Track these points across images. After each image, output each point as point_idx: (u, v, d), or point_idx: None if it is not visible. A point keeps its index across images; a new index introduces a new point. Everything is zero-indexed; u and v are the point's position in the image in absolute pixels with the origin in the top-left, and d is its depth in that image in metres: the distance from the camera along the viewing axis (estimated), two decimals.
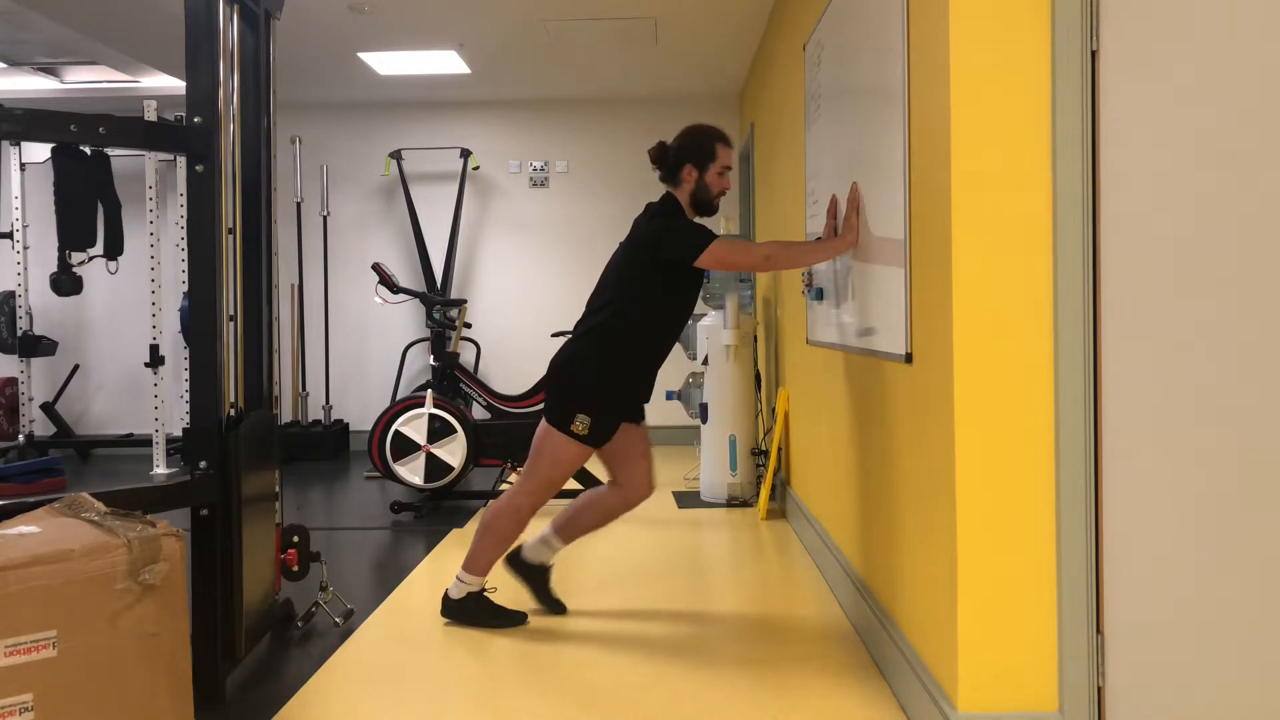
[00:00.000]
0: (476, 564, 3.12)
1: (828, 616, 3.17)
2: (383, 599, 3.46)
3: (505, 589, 3.55)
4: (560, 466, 3.03)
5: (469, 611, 3.14)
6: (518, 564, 3.28)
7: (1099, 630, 2.02)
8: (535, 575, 3.27)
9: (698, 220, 3.16)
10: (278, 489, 3.00)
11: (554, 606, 3.26)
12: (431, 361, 5.32)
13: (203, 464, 2.53)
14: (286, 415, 7.30)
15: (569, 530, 3.23)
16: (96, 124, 2.40)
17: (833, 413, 3.48)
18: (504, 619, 3.13)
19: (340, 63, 6.12)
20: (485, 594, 3.16)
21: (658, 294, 2.99)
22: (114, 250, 2.71)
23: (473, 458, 4.95)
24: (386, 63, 6.09)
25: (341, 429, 7.12)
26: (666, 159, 3.09)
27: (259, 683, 2.70)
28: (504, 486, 5.41)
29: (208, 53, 2.57)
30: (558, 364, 3.05)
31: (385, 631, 3.11)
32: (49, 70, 6.37)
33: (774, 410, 5.17)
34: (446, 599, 3.16)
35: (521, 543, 3.30)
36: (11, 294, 6.69)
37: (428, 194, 7.33)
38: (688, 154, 3.06)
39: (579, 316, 3.14)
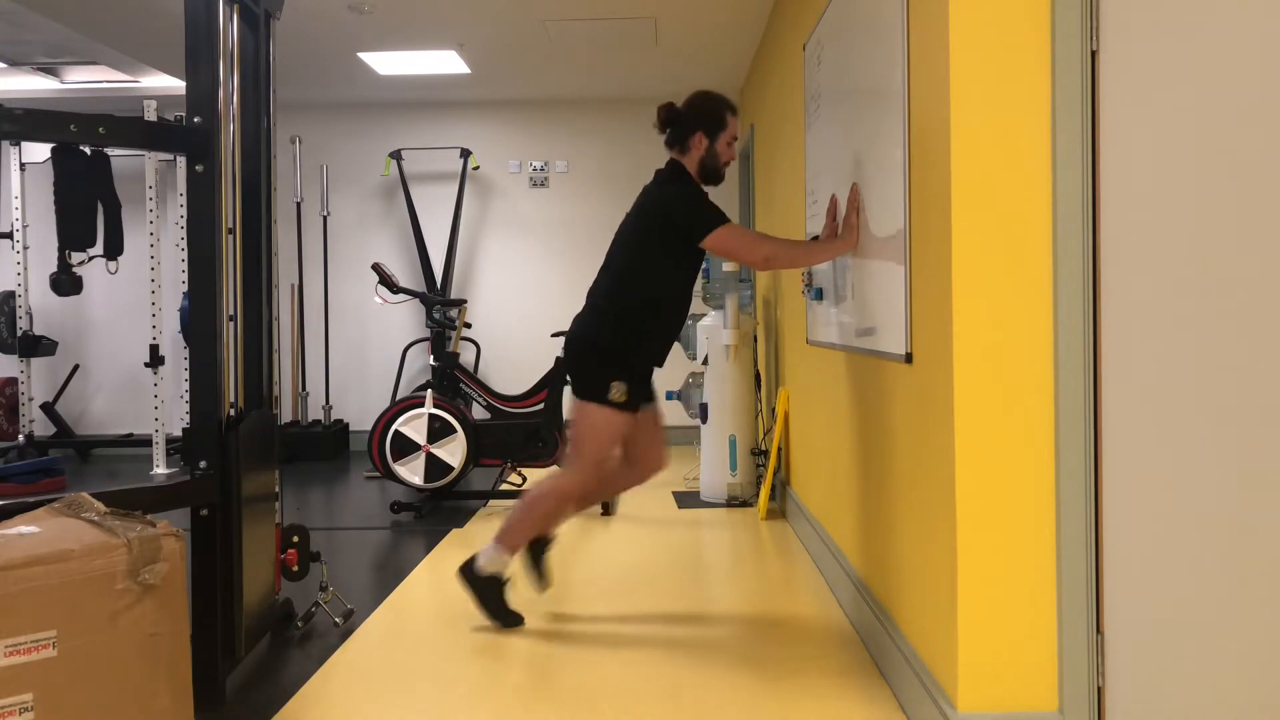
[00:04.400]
0: (511, 538, 3.10)
1: (828, 617, 3.17)
2: (383, 599, 3.46)
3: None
4: (605, 441, 3.01)
5: (484, 588, 3.12)
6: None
7: (1099, 630, 2.02)
8: (532, 549, 3.28)
9: (706, 190, 3.14)
10: (278, 489, 3.00)
11: (538, 582, 3.28)
12: (431, 361, 5.32)
13: (203, 464, 2.53)
14: (286, 415, 7.30)
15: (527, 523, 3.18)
16: (96, 124, 2.40)
17: (833, 413, 3.48)
18: (502, 615, 3.12)
19: (340, 63, 6.12)
20: (504, 583, 3.15)
21: (666, 261, 2.97)
22: (114, 250, 2.71)
23: (473, 458, 4.95)
24: (386, 63, 6.09)
25: (341, 429, 7.11)
26: (676, 121, 3.04)
27: (259, 683, 2.70)
28: (504, 487, 5.41)
29: (208, 53, 2.57)
30: (576, 337, 3.03)
31: (385, 631, 3.10)
32: (49, 70, 6.37)
33: (774, 410, 5.17)
34: (473, 566, 3.13)
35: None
36: (11, 294, 6.69)
37: (428, 194, 7.33)
38: (700, 121, 3.01)
39: (589, 291, 3.12)
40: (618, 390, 2.96)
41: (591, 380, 2.99)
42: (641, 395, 3.04)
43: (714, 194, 7.15)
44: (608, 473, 3.22)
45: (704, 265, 5.16)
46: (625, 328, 2.98)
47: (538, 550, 3.28)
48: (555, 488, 3.07)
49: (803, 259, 2.91)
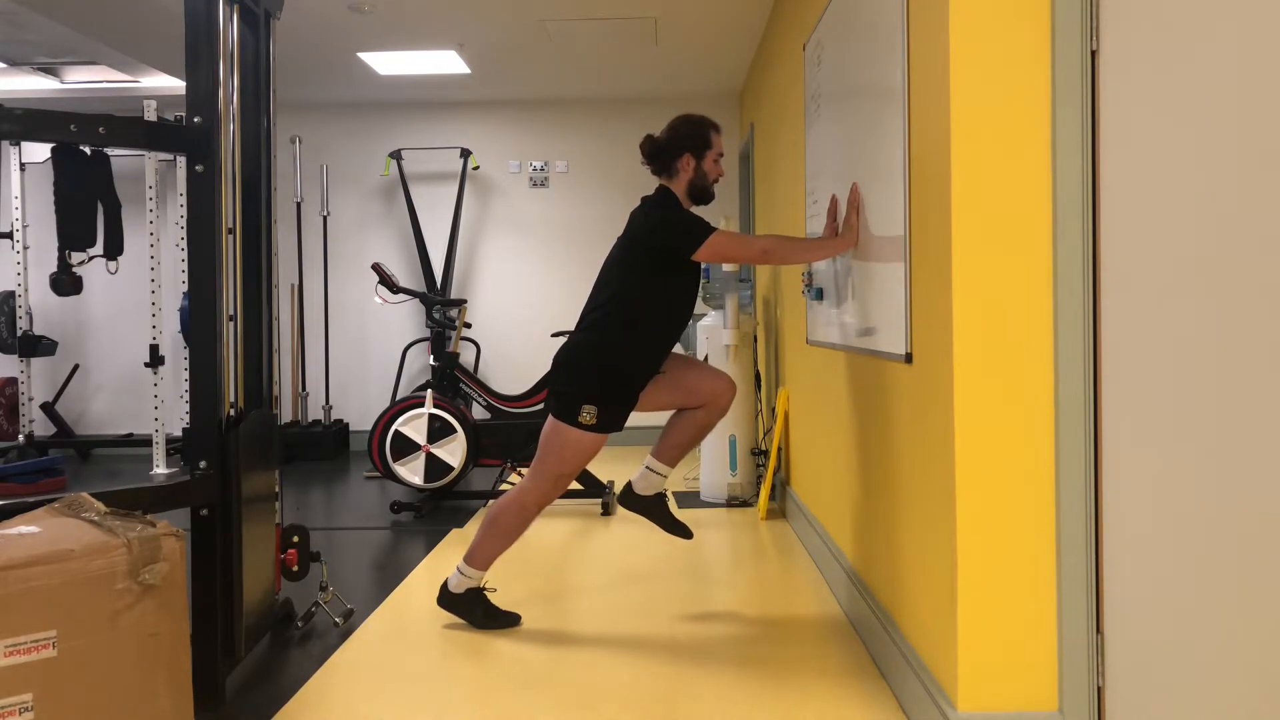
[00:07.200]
0: (478, 558, 3.12)
1: (828, 616, 3.17)
2: (383, 599, 3.46)
3: (500, 591, 3.55)
4: (571, 460, 3.01)
5: (465, 606, 3.14)
6: (632, 500, 3.27)
7: (1099, 630, 2.02)
8: (652, 506, 3.27)
9: (695, 211, 3.14)
10: (278, 489, 3.00)
11: (682, 532, 3.27)
12: (431, 361, 5.32)
13: (203, 464, 2.53)
14: (286, 415, 7.30)
15: (668, 451, 3.20)
16: (96, 124, 2.40)
17: (833, 413, 3.48)
18: (497, 620, 3.13)
19: (340, 63, 6.12)
20: (484, 592, 3.16)
21: (656, 286, 2.98)
22: (114, 250, 2.71)
23: (472, 458, 4.95)
24: (386, 63, 6.09)
25: (341, 429, 7.11)
26: (660, 151, 3.05)
27: (259, 683, 2.70)
28: (504, 486, 5.41)
29: (208, 53, 2.57)
30: (559, 359, 3.04)
31: (385, 631, 3.11)
32: (49, 70, 6.37)
33: (774, 410, 5.17)
34: (445, 589, 3.16)
35: (630, 480, 3.29)
36: (11, 294, 6.69)
37: (428, 194, 7.33)
38: (685, 143, 3.02)
39: (580, 314, 3.10)
40: (588, 414, 2.96)
41: (564, 401, 2.99)
42: (619, 415, 3.02)
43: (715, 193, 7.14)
44: (689, 417, 3.16)
45: (704, 266, 5.16)
46: (606, 351, 2.98)
47: (660, 510, 3.26)
48: (515, 501, 3.08)
49: (800, 254, 2.91)
